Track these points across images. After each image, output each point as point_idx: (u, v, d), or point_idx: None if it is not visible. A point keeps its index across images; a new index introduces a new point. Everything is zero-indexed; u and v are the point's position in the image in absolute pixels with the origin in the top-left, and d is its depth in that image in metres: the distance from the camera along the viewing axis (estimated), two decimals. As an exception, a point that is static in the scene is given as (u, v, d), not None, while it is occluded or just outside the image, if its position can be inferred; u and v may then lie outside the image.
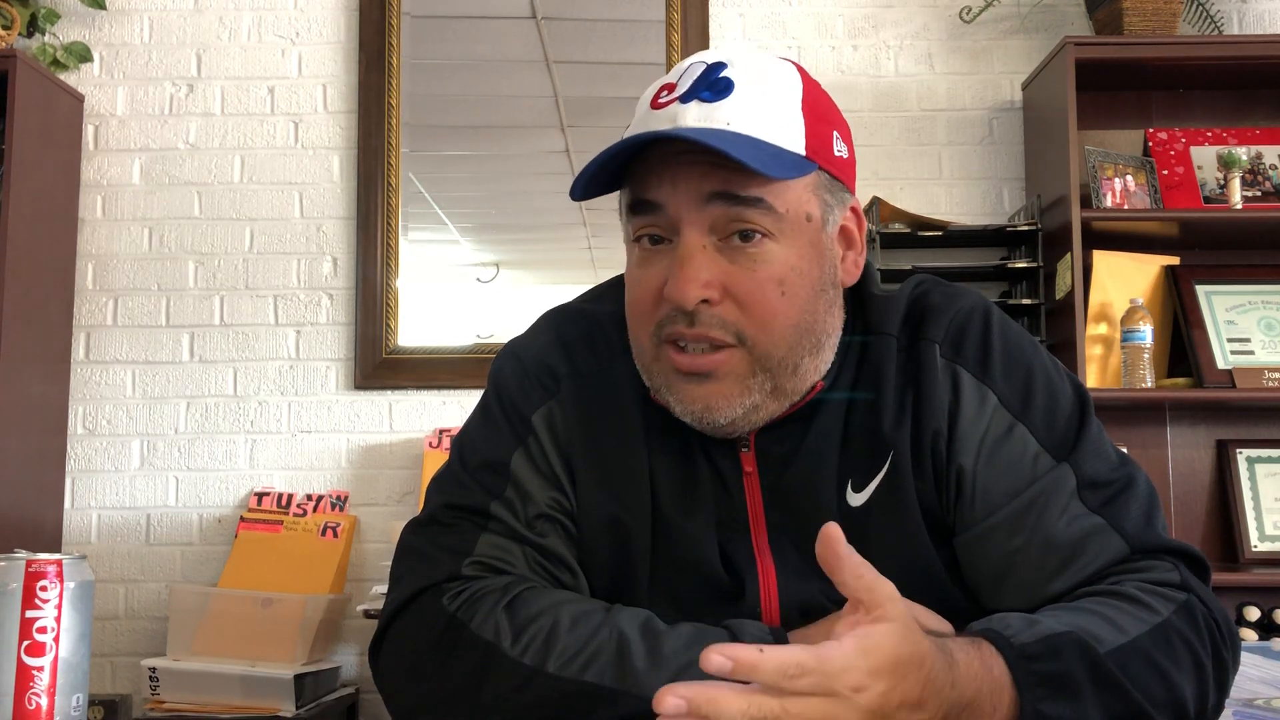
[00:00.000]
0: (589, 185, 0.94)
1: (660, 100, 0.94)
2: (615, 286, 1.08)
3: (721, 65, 0.93)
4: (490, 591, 0.92)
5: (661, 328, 0.93)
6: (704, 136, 0.88)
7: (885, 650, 0.71)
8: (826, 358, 0.97)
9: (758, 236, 0.91)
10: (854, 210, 1.00)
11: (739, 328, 0.91)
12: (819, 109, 0.96)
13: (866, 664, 0.70)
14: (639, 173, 0.93)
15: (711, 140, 0.87)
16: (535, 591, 0.93)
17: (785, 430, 0.98)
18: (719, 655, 0.67)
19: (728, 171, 0.89)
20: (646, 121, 0.94)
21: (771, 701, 0.68)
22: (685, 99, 0.92)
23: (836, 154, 0.96)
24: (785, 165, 0.90)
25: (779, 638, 0.89)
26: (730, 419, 0.93)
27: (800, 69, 0.98)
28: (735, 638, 0.87)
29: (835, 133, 0.97)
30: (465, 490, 1.00)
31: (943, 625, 0.88)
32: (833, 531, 0.72)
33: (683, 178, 0.91)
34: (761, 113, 0.92)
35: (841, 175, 0.97)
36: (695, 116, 0.91)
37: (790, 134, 0.92)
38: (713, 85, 0.92)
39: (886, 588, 0.73)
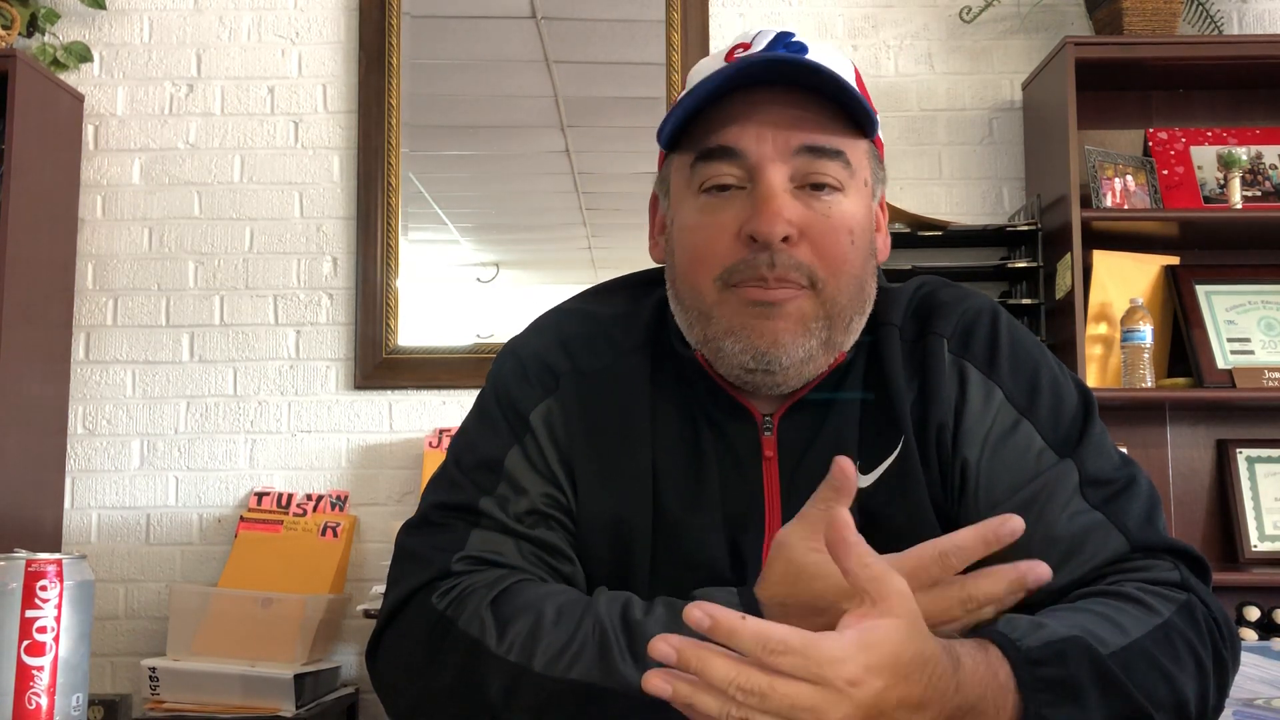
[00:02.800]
0: (674, 131, 0.97)
1: (737, 56, 0.97)
2: (619, 287, 1.09)
3: (791, 33, 0.98)
4: (479, 587, 0.92)
5: (734, 273, 0.94)
6: (809, 61, 0.92)
7: (888, 648, 0.70)
8: (862, 324, 1.00)
9: (829, 188, 0.95)
10: (882, 196, 1.04)
11: (812, 270, 0.94)
12: (863, 88, 1.00)
13: (866, 659, 0.69)
14: (714, 121, 0.95)
15: (818, 69, 0.92)
16: (523, 585, 0.92)
17: (806, 415, 0.99)
18: (700, 611, 0.68)
19: (813, 122, 0.94)
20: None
21: (760, 677, 0.67)
22: (766, 52, 0.96)
23: (880, 135, 1.02)
24: (870, 115, 0.95)
25: (750, 608, 0.87)
26: (791, 361, 0.94)
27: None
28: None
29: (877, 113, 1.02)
30: (457, 489, 0.99)
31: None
32: (842, 516, 0.72)
33: (769, 124, 0.94)
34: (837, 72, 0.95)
35: (882, 156, 1.03)
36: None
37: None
38: (789, 45, 0.96)
39: (896, 582, 0.72)
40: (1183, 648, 0.85)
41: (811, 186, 0.94)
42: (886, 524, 0.96)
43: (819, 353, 0.95)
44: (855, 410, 1.00)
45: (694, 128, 0.97)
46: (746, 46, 0.97)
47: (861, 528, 0.97)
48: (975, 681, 0.76)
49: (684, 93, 0.98)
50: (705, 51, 2.82)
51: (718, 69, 0.95)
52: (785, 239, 0.92)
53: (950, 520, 0.97)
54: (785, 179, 0.94)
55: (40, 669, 0.85)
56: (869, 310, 1.00)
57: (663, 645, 0.67)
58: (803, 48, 0.96)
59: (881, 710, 0.70)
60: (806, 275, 0.93)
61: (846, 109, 0.95)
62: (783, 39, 0.97)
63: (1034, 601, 0.89)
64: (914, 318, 1.02)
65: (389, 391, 2.79)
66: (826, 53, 0.97)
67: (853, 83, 0.97)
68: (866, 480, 0.97)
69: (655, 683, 0.68)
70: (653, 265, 1.09)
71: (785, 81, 0.94)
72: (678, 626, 0.85)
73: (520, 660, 0.86)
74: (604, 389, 1.01)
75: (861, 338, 1.01)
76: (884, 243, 1.04)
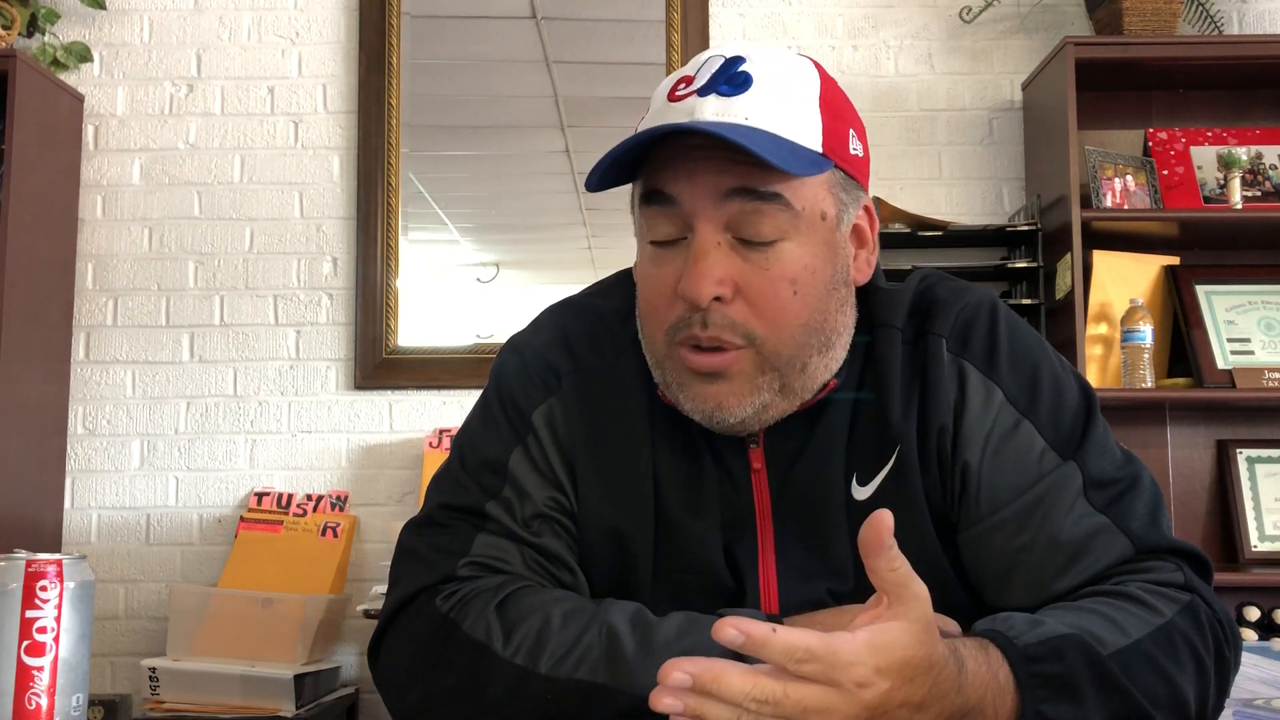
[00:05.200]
0: (604, 177, 0.93)
1: (678, 93, 0.93)
2: (621, 281, 1.07)
3: (740, 59, 0.93)
4: (483, 592, 0.92)
5: (676, 330, 0.92)
6: (722, 130, 0.87)
7: (897, 650, 0.71)
8: (837, 355, 0.96)
9: (771, 235, 0.90)
10: (867, 209, 0.99)
11: (749, 328, 0.90)
12: (835, 106, 0.95)
13: (875, 661, 0.70)
14: (654, 165, 0.92)
15: (729, 134, 0.86)
16: (527, 591, 0.93)
17: (794, 426, 0.97)
18: (732, 628, 0.68)
19: (745, 167, 0.88)
20: (663, 114, 0.93)
21: (774, 685, 0.68)
22: (703, 92, 0.91)
23: (852, 152, 0.96)
24: (803, 161, 0.90)
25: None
26: (740, 418, 0.93)
27: (818, 65, 0.97)
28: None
29: (851, 130, 0.96)
30: (462, 490, 0.99)
31: (950, 626, 0.87)
32: (884, 519, 0.72)
33: (699, 172, 0.90)
34: (780, 108, 0.91)
35: (856, 174, 0.96)
36: (713, 110, 0.90)
37: (808, 131, 0.92)
38: (731, 79, 0.91)
39: (918, 588, 0.73)
40: (1184, 649, 0.85)
41: (754, 234, 0.90)
42: None
43: (775, 401, 0.93)
44: (845, 416, 0.98)
45: (643, 164, 0.94)
46: (689, 80, 0.93)
47: (857, 541, 0.96)
48: (977, 684, 0.76)
49: (645, 118, 0.95)
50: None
51: (657, 117, 0.92)
52: (719, 298, 0.89)
53: (950, 525, 0.97)
54: (719, 230, 0.90)
55: (40, 669, 0.85)
56: (839, 340, 0.96)
57: (677, 673, 0.68)
58: (745, 81, 0.91)
59: (885, 710, 0.71)
60: (742, 334, 0.90)
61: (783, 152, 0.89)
62: (727, 70, 0.92)
63: (1040, 605, 0.89)
64: (913, 317, 1.00)
65: (389, 391, 2.79)
66: (779, 79, 0.92)
67: (811, 108, 0.92)
68: (864, 493, 0.96)
69: (665, 700, 0.69)
70: None
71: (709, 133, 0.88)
72: (693, 630, 0.85)
73: (526, 663, 0.87)
74: (605, 388, 1.00)
75: (858, 338, 0.99)
76: (867, 260, 1.00)
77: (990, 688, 0.77)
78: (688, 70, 0.95)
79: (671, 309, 0.92)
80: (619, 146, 0.90)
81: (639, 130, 0.93)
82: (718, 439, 0.98)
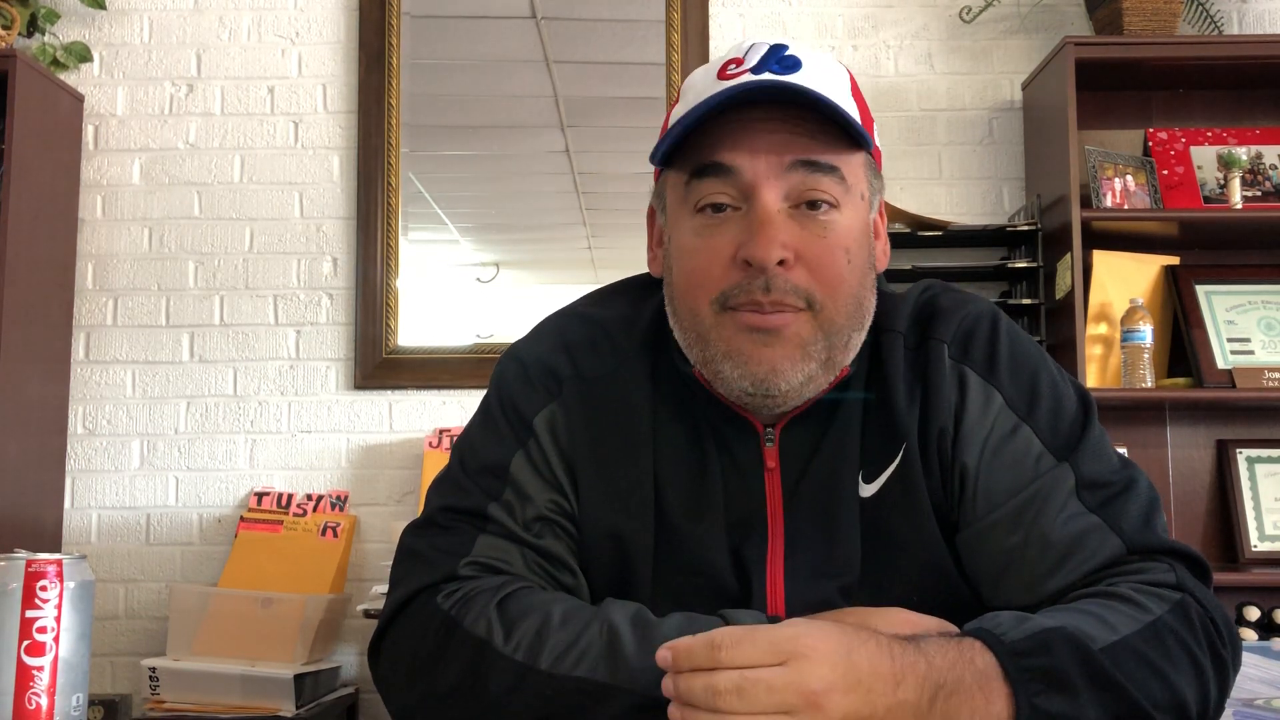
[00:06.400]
0: (670, 148, 0.96)
1: (729, 72, 0.96)
2: (620, 290, 1.09)
3: (784, 45, 0.96)
4: (484, 590, 0.92)
5: (727, 296, 0.94)
6: (810, 93, 0.91)
7: (824, 619, 0.78)
8: (863, 338, 0.99)
9: (825, 206, 0.94)
10: (881, 202, 1.04)
11: (809, 292, 0.93)
12: (860, 98, 1.00)
13: (808, 625, 0.75)
14: (708, 138, 0.95)
15: (816, 96, 0.91)
16: (528, 590, 0.93)
17: (808, 425, 0.99)
18: (662, 651, 0.74)
19: (806, 140, 0.93)
20: (715, 91, 0.95)
21: (730, 674, 0.71)
22: (757, 70, 0.94)
23: (876, 143, 1.01)
24: (864, 135, 0.94)
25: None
26: (790, 386, 0.94)
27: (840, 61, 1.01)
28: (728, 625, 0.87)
29: (873, 123, 1.01)
30: (464, 493, 1.00)
31: (949, 630, 0.87)
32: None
33: (762, 144, 0.93)
34: (828, 91, 0.94)
35: (879, 164, 1.02)
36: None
37: (851, 114, 0.95)
38: (782, 61, 0.95)
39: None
40: (1175, 646, 0.85)
41: (807, 205, 0.93)
42: (889, 533, 0.97)
43: (819, 373, 0.95)
44: (857, 418, 1.00)
45: (687, 145, 0.96)
46: (739, 62, 0.96)
47: (864, 538, 0.97)
48: (943, 655, 0.77)
49: (678, 106, 0.98)
50: (705, 51, 2.82)
51: (711, 93, 0.94)
52: (781, 262, 0.92)
53: (951, 525, 0.98)
54: (779, 198, 0.93)
55: (40, 669, 0.85)
56: (868, 323, 0.99)
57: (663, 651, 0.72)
58: (796, 63, 0.94)
59: (859, 678, 0.73)
60: (804, 297, 0.93)
61: (840, 125, 0.94)
62: (776, 53, 0.95)
63: (1035, 605, 0.89)
64: (916, 323, 1.02)
65: (389, 391, 2.79)
66: (821, 64, 0.96)
67: (847, 95, 0.97)
68: (869, 490, 0.98)
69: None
70: None
71: (777, 103, 0.94)
72: (693, 628, 0.86)
73: (526, 660, 0.87)
74: (607, 394, 1.01)
75: (865, 337, 1.01)
76: (883, 250, 1.04)
77: (967, 668, 0.77)
78: (733, 54, 0.98)
79: (726, 276, 0.94)
80: (693, 111, 0.93)
81: (675, 117, 0.96)
82: (731, 438, 0.99)
